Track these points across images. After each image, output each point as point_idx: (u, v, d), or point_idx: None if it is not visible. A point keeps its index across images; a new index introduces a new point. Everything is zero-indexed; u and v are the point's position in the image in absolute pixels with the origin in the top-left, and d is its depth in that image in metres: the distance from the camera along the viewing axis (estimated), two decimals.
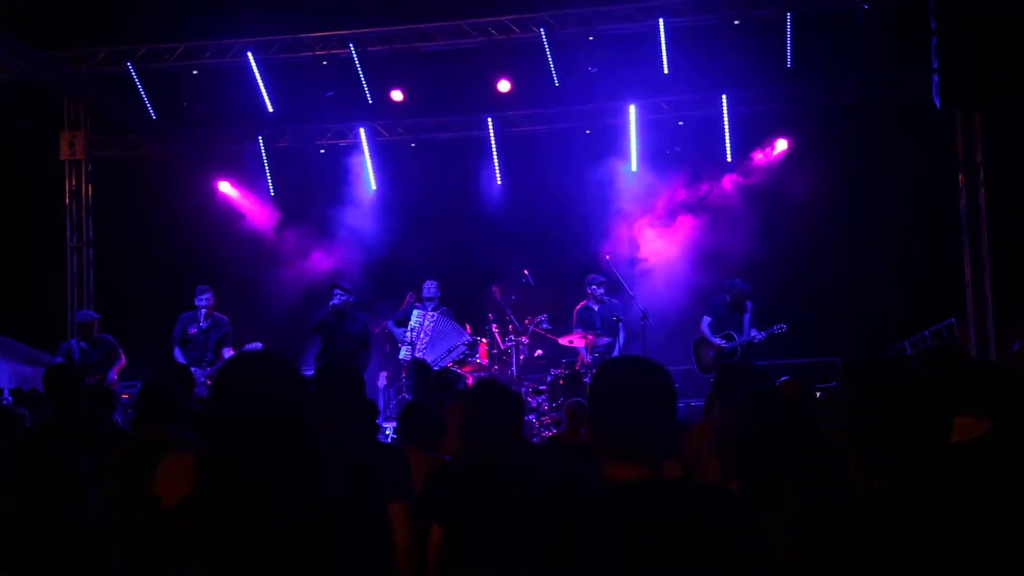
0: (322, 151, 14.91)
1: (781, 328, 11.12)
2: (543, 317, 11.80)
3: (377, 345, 12.10)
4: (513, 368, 11.61)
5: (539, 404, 11.01)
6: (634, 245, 13.74)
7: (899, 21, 11.51)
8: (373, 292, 13.28)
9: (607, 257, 12.23)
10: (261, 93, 13.33)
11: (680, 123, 13.93)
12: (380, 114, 14.22)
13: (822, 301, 13.13)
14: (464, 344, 11.68)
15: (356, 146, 14.63)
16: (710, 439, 4.79)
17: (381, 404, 12.19)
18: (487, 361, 11.77)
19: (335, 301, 11.07)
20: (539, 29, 12.57)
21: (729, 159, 13.69)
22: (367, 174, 14.57)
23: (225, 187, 15.05)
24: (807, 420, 5.16)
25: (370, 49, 13.16)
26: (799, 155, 13.61)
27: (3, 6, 11.75)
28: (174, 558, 2.34)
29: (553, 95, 13.38)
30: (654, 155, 13.93)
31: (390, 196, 14.61)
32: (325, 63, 13.30)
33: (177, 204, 14.59)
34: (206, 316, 11.10)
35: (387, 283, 13.54)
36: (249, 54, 13.12)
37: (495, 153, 14.30)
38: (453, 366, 11.44)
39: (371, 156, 14.53)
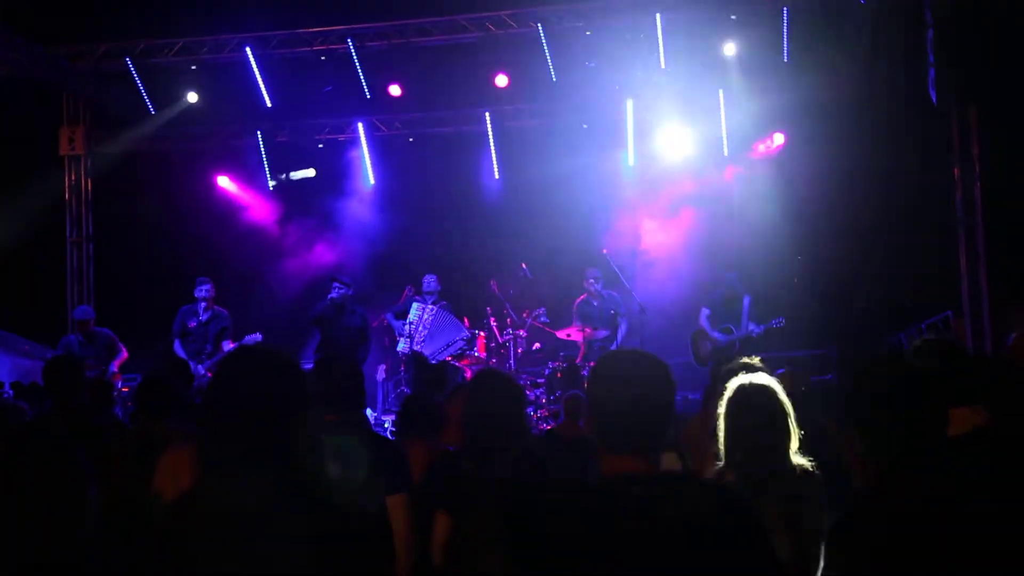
0: (320, 146, 14.93)
1: (779, 322, 11.17)
2: (541, 310, 11.86)
3: (376, 338, 12.15)
4: (511, 361, 11.66)
5: (537, 397, 11.05)
6: (633, 238, 13.80)
7: (895, 14, 11.54)
8: (371, 285, 13.33)
9: (604, 251, 12.27)
10: (259, 88, 13.35)
11: (676, 117, 13.92)
12: (378, 109, 14.23)
13: (819, 294, 13.16)
14: (462, 339, 11.74)
15: (354, 141, 14.65)
16: (707, 431, 4.86)
17: (380, 397, 12.27)
18: (485, 354, 11.84)
19: (333, 295, 11.13)
20: (536, 24, 12.57)
21: (726, 152, 13.71)
22: (365, 168, 14.61)
23: (224, 182, 15.10)
24: (803, 411, 5.20)
25: (368, 44, 13.16)
26: (795, 149, 13.64)
27: (2, 3, 11.77)
28: (175, 551, 2.34)
29: (550, 90, 13.37)
30: (651, 149, 13.98)
31: (388, 190, 14.65)
32: (323, 58, 13.30)
33: (176, 199, 14.65)
34: (206, 309, 11.17)
35: (385, 276, 13.61)
36: (247, 49, 13.12)
37: (493, 147, 14.31)
38: (451, 360, 11.50)
39: (369, 150, 14.55)
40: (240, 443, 2.40)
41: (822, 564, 2.77)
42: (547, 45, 12.64)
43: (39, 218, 14.09)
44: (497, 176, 14.44)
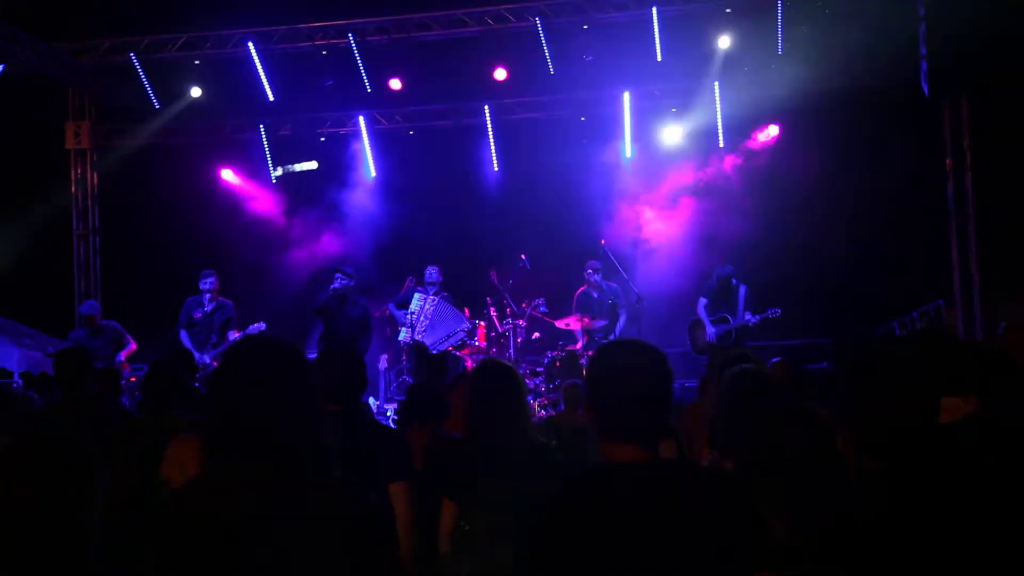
0: (322, 139, 15.07)
1: (775, 312, 11.23)
2: (540, 301, 11.97)
3: (378, 328, 12.26)
4: (511, 350, 11.77)
5: (536, 385, 11.15)
6: (631, 228, 13.94)
7: (888, 7, 11.64)
8: (376, 276, 13.47)
9: (603, 241, 12.41)
10: (262, 82, 13.49)
11: (673, 110, 14.08)
12: (379, 102, 14.35)
13: (813, 283, 13.27)
14: (463, 331, 11.85)
15: (356, 134, 14.78)
16: (704, 419, 4.94)
17: (382, 386, 12.43)
18: (485, 344, 11.97)
19: (336, 285, 11.23)
20: (535, 18, 12.70)
21: (722, 144, 13.84)
22: (367, 161, 14.75)
23: (228, 175, 15.27)
24: (797, 400, 5.27)
25: (369, 39, 13.29)
26: (790, 140, 13.76)
27: (8, 1, 11.92)
28: (182, 539, 2.33)
29: (548, 83, 13.48)
30: (649, 141, 14.13)
31: (389, 183, 14.79)
32: (325, 53, 13.43)
33: (181, 192, 14.78)
34: (210, 299, 11.35)
35: (387, 268, 13.73)
36: (250, 44, 13.25)
37: (492, 140, 14.46)
38: (452, 349, 11.65)
39: (370, 144, 14.69)
40: (245, 432, 2.40)
41: (819, 552, 2.78)
42: (545, 39, 12.78)
43: (46, 212, 14.28)
44: (496, 168, 14.58)
